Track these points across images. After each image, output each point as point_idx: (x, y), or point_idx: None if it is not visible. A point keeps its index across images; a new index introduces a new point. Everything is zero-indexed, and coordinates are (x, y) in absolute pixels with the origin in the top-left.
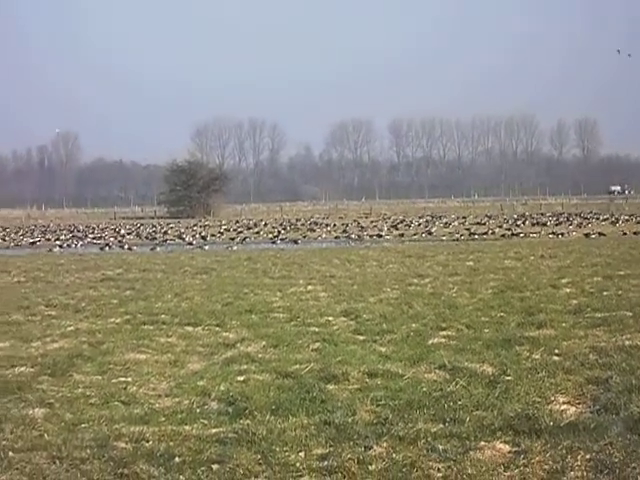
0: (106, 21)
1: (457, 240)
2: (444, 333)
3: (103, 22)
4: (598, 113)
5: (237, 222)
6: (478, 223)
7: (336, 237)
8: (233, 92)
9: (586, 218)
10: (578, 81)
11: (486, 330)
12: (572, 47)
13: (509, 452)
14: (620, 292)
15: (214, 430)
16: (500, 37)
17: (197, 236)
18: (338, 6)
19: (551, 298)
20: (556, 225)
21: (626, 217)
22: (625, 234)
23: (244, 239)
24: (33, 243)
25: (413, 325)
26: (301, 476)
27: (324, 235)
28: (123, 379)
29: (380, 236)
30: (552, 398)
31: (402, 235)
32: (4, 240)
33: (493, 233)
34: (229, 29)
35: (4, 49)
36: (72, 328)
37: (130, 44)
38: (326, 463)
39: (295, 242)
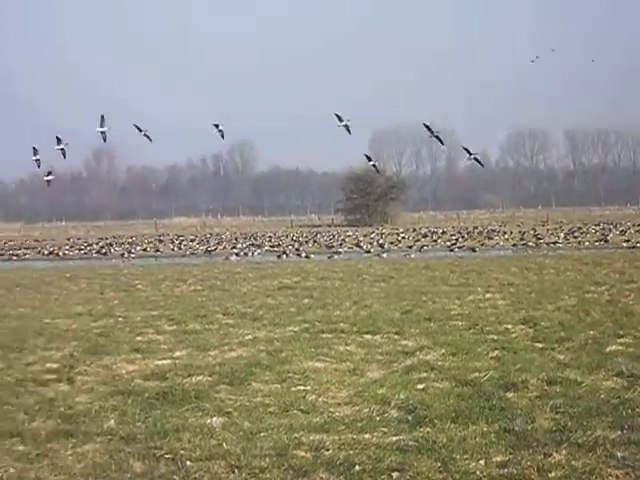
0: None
1: (633, 248)
2: (622, 340)
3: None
4: None
5: (414, 230)
6: None
7: (513, 245)
8: (409, 98)
9: None
10: None
11: None
12: None
13: None
14: None
15: (394, 438)
16: None
17: (375, 244)
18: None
19: None
20: None
21: None
22: None
23: (422, 247)
24: (209, 251)
25: (591, 332)
26: None
27: (501, 243)
28: (302, 387)
29: (557, 243)
30: None
31: (579, 243)
32: (180, 248)
33: None
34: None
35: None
36: (250, 337)
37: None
38: (506, 470)
39: (473, 250)
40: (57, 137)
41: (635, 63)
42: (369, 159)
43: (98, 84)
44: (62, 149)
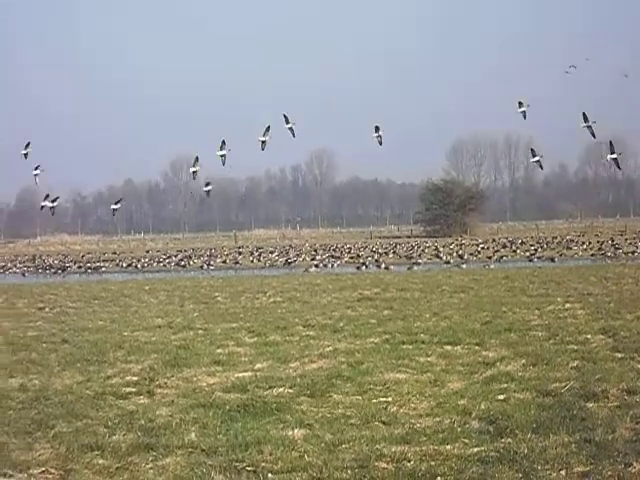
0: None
1: None
2: None
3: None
4: None
5: (493, 240)
6: None
7: (592, 255)
8: (487, 109)
9: None
10: None
11: None
12: None
13: None
14: None
15: (475, 449)
16: None
17: (454, 255)
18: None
19: None
20: None
21: None
22: None
23: (501, 257)
24: (289, 263)
25: None
26: None
27: (580, 253)
28: (383, 399)
29: (635, 253)
30: None
31: None
32: (259, 260)
33: None
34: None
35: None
36: (330, 348)
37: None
38: None
39: (552, 260)
40: (223, 141)
41: None
42: (533, 154)
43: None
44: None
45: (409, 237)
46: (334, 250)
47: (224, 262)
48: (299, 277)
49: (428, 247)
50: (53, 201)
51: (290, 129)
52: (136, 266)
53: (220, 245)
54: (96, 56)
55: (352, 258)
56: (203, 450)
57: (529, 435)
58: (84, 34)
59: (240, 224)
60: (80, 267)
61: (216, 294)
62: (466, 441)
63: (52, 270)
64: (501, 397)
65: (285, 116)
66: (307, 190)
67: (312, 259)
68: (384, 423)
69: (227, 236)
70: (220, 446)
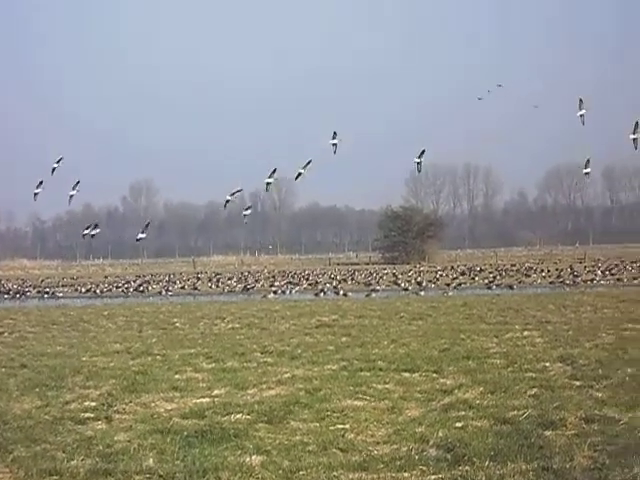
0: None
1: None
2: None
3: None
4: None
5: (452, 268)
6: None
7: (551, 282)
8: (446, 137)
9: None
10: None
11: None
12: None
13: None
14: None
15: (433, 477)
16: None
17: (412, 282)
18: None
19: None
20: None
21: None
22: None
23: (459, 285)
24: (247, 289)
25: (629, 370)
26: None
27: (539, 280)
28: (341, 426)
29: (594, 281)
30: None
31: (617, 280)
32: (217, 286)
33: None
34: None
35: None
36: (288, 375)
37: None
38: None
39: (510, 287)
40: (274, 169)
41: None
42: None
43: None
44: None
45: (367, 264)
46: (292, 277)
47: (183, 288)
48: (257, 303)
49: (386, 274)
50: (95, 227)
51: (334, 144)
52: (95, 291)
53: (179, 271)
54: (59, 86)
55: (310, 285)
56: (161, 476)
57: (487, 463)
58: (48, 66)
59: (199, 250)
60: (39, 292)
61: (174, 320)
62: (424, 468)
63: (11, 295)
64: (459, 425)
65: (335, 132)
66: (266, 216)
67: (270, 285)
68: (342, 450)
69: (186, 262)
70: (178, 472)
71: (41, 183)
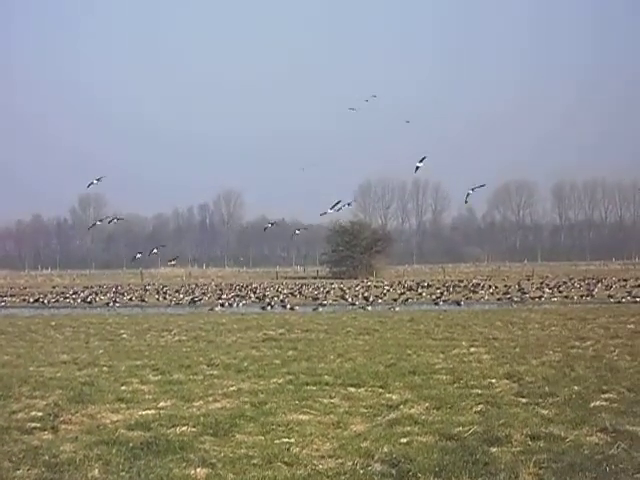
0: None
1: (619, 303)
2: (606, 396)
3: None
4: None
5: (399, 283)
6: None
7: (498, 299)
8: (396, 152)
9: None
10: None
11: None
12: None
13: None
14: None
15: None
16: None
17: (360, 296)
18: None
19: None
20: None
21: None
22: None
23: (406, 300)
24: (194, 302)
25: (575, 388)
26: None
27: (486, 297)
28: (286, 440)
29: (542, 298)
30: None
31: (564, 297)
32: (165, 298)
33: None
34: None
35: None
36: (234, 388)
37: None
38: None
39: (458, 303)
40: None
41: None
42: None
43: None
44: None
45: (315, 278)
46: (240, 290)
47: (130, 299)
48: (204, 316)
49: (334, 288)
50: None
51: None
52: (43, 301)
53: (127, 282)
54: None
55: (258, 298)
56: None
57: (431, 479)
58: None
59: (147, 262)
60: None
61: (122, 331)
62: None
63: None
64: (404, 440)
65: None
66: (214, 229)
67: (218, 298)
68: (286, 464)
69: (134, 273)
70: None
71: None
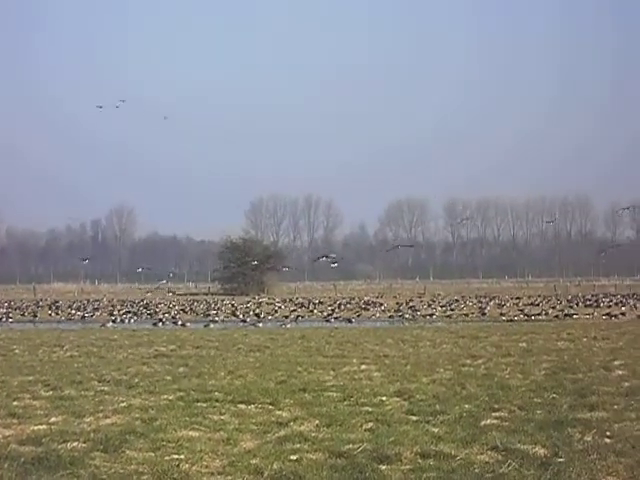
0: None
1: (511, 321)
2: (497, 414)
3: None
4: None
5: (291, 300)
6: (532, 304)
7: (390, 316)
8: (288, 168)
9: (639, 300)
10: (633, 163)
11: (538, 412)
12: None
13: None
14: None
15: None
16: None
17: (251, 313)
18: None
19: (603, 380)
20: (609, 307)
21: None
22: None
23: (298, 317)
24: (86, 317)
25: (466, 406)
26: None
27: (378, 314)
28: (176, 456)
29: (433, 316)
30: None
31: (456, 316)
32: (57, 314)
33: (547, 314)
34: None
35: (55, 121)
36: (125, 404)
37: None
38: None
39: (349, 321)
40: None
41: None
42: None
43: None
44: None
45: (207, 294)
46: (132, 306)
47: (22, 315)
48: (96, 332)
49: (225, 305)
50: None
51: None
52: None
53: (19, 298)
54: None
55: (149, 314)
56: None
57: None
58: None
59: (39, 277)
60: None
61: (14, 346)
62: None
63: None
64: (294, 457)
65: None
66: (106, 245)
67: (109, 314)
68: None
69: (27, 289)
70: None
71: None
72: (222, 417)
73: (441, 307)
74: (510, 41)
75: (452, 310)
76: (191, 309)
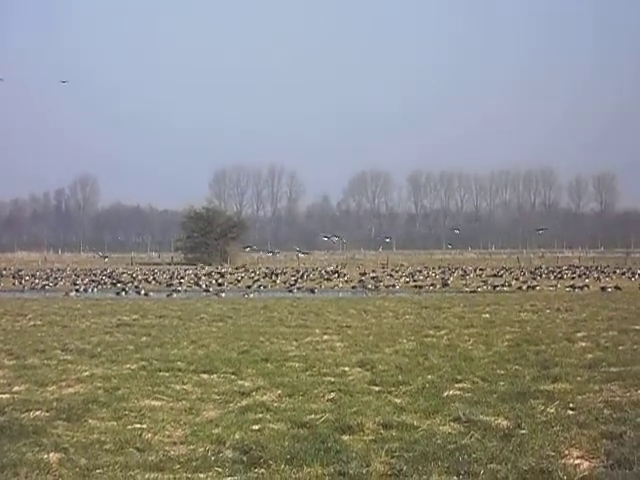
0: (121, 68)
1: (474, 292)
2: (459, 385)
3: (120, 69)
4: (617, 167)
5: (254, 270)
6: (495, 275)
7: (353, 287)
8: (252, 139)
9: (603, 272)
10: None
11: (501, 383)
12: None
13: None
14: (636, 346)
15: (229, 478)
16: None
17: (214, 283)
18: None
19: (566, 352)
20: (572, 278)
21: None
22: None
23: (260, 287)
24: (49, 287)
25: (429, 377)
26: None
27: (341, 285)
28: (138, 425)
29: (396, 287)
30: (566, 452)
31: (420, 287)
32: (20, 283)
33: (510, 285)
34: (247, 77)
35: (17, 96)
36: (87, 373)
37: (146, 92)
38: None
39: (312, 291)
40: None
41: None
42: None
43: None
44: None
45: (170, 264)
46: (95, 275)
47: None
48: (59, 301)
49: (188, 274)
50: None
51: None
52: None
53: None
54: None
55: (113, 284)
56: None
57: (283, 466)
58: None
59: (3, 246)
60: None
61: None
62: (219, 470)
63: None
64: (256, 427)
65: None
66: (70, 215)
67: (73, 284)
68: (138, 449)
69: None
70: None
71: None
72: (184, 387)
73: (404, 278)
74: (480, 16)
75: (415, 281)
76: (154, 279)
